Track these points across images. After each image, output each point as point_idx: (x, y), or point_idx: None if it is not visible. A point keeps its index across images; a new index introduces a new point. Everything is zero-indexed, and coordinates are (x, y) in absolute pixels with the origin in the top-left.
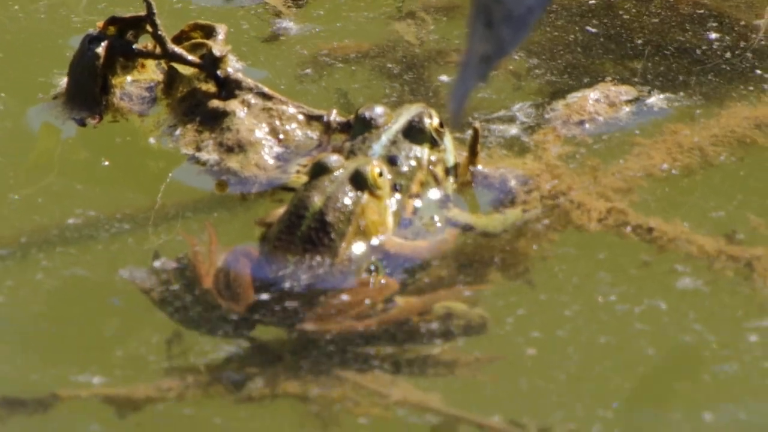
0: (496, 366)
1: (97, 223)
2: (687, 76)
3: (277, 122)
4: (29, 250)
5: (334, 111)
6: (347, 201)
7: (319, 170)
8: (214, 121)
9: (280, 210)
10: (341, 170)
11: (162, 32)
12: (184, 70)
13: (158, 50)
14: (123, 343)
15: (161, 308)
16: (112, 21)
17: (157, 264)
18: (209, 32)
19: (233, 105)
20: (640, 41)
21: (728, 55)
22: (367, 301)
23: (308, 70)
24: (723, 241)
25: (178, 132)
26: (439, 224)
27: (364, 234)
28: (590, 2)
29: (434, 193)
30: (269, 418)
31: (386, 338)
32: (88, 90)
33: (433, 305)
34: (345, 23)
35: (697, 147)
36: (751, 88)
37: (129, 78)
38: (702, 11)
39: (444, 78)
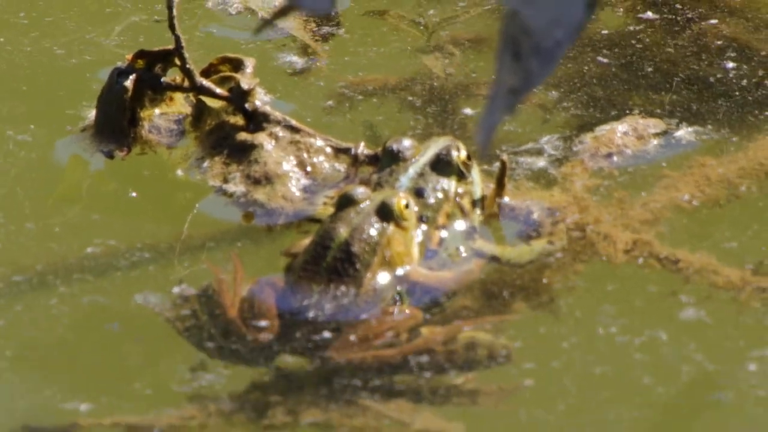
0: (498, 397)
1: (118, 252)
2: (710, 107)
3: (305, 155)
4: (46, 277)
5: (362, 144)
6: (373, 232)
7: (346, 202)
8: (242, 153)
9: (306, 241)
10: (367, 202)
11: (190, 65)
12: (213, 103)
13: (186, 83)
14: (145, 371)
15: (185, 337)
16: (141, 54)
17: (176, 290)
18: (237, 65)
19: (261, 138)
20: (651, 69)
21: (744, 82)
22: (392, 331)
23: (330, 102)
24: (749, 273)
25: (205, 164)
26: (464, 255)
27: (389, 264)
28: (602, 32)
29: (460, 225)
30: None
31: (409, 367)
32: (116, 122)
33: (458, 335)
34: (368, 57)
35: (724, 179)
36: None
37: (157, 111)
38: (721, 42)
39: (469, 111)
